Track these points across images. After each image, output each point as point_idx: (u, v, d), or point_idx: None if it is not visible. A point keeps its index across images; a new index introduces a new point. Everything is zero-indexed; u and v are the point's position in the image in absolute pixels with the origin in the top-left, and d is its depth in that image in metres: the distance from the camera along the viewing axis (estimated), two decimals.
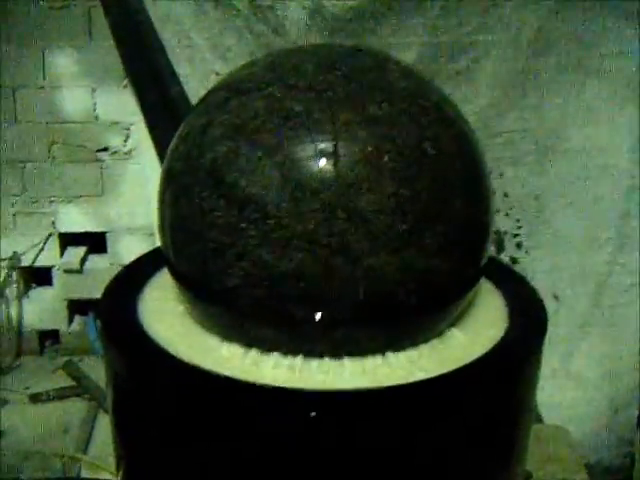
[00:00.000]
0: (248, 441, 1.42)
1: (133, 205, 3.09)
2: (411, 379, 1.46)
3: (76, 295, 3.18)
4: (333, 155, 1.46)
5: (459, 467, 1.50)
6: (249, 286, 1.48)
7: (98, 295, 3.10)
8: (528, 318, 1.73)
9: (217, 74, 2.44)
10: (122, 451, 1.74)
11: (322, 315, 1.47)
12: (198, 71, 2.61)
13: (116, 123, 3.00)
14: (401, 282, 1.47)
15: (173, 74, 2.58)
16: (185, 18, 2.57)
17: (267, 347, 1.53)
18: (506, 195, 2.79)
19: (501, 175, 2.76)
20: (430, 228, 1.47)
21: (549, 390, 2.82)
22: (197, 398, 1.47)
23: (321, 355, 1.51)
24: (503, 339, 1.62)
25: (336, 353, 1.51)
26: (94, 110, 2.97)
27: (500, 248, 2.83)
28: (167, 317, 1.69)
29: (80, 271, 3.15)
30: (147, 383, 1.54)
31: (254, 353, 1.54)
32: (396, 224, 1.45)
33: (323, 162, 1.45)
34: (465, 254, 1.57)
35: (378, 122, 1.48)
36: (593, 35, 2.62)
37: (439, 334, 1.60)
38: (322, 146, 1.47)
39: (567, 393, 2.89)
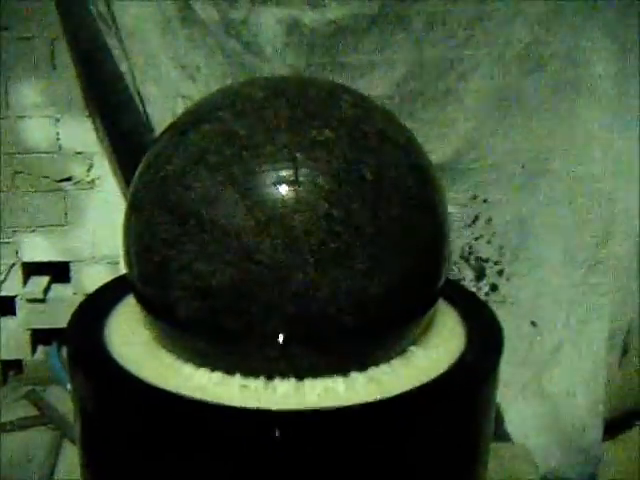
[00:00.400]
0: (213, 461, 1.46)
1: (97, 234, 3.11)
2: (371, 399, 1.51)
3: (39, 325, 3.18)
4: (293, 184, 1.51)
5: None
6: (203, 309, 1.53)
7: (62, 324, 3.13)
8: (485, 337, 1.78)
9: (183, 97, 2.34)
10: (89, 476, 1.76)
11: (281, 337, 1.51)
12: (165, 92, 2.48)
13: (79, 153, 3.02)
14: (357, 303, 1.52)
15: (130, 102, 2.50)
16: (151, 36, 2.44)
17: (230, 369, 1.57)
18: (489, 221, 2.74)
19: (485, 200, 2.71)
20: (381, 250, 1.52)
21: (517, 411, 2.84)
22: (162, 419, 1.49)
23: (283, 376, 1.55)
24: (461, 358, 1.67)
25: (298, 374, 1.55)
26: (57, 140, 2.99)
27: (480, 276, 2.80)
28: (133, 342, 1.72)
29: (43, 300, 3.15)
30: (114, 406, 1.57)
31: (217, 375, 1.58)
32: (341, 245, 1.50)
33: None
34: (421, 277, 1.62)
35: (316, 146, 1.54)
36: (588, 55, 2.53)
37: (400, 353, 1.66)
38: (282, 174, 1.52)
39: (536, 411, 2.87)
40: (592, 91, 2.56)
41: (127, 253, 1.71)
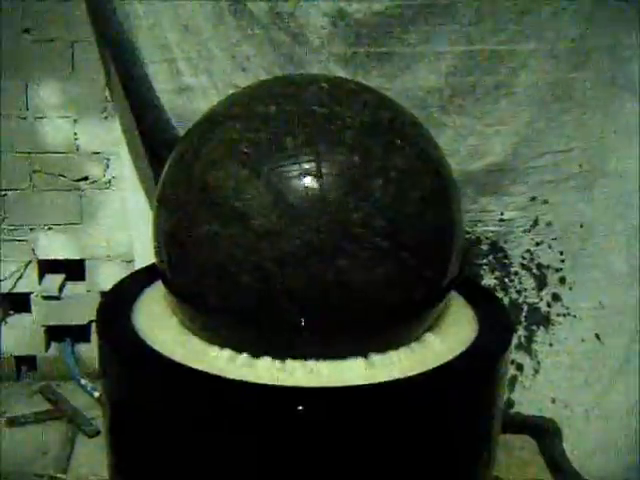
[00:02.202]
0: (241, 436, 1.53)
1: (111, 233, 3.18)
2: (391, 378, 1.60)
3: (54, 321, 3.24)
4: (316, 177, 1.59)
5: (439, 459, 1.62)
6: (238, 295, 1.61)
7: (76, 321, 3.22)
8: (495, 326, 1.87)
9: (236, 86, 2.32)
10: (118, 458, 1.82)
11: (305, 321, 1.59)
12: (217, 83, 2.50)
13: (96, 153, 3.09)
14: (378, 292, 1.60)
15: (155, 99, 2.52)
16: (204, 28, 2.48)
17: (257, 351, 1.65)
18: (549, 224, 2.64)
19: (545, 202, 2.61)
20: (399, 245, 1.61)
21: (578, 432, 2.72)
22: (196, 398, 1.57)
23: (307, 358, 1.63)
24: (473, 343, 1.76)
25: (322, 355, 1.63)
26: (75, 140, 3.06)
27: (542, 284, 2.69)
28: (162, 327, 1.79)
29: (58, 298, 3.22)
30: (147, 388, 1.64)
31: (245, 357, 1.65)
32: (372, 240, 1.59)
33: (307, 183, 1.59)
34: (435, 267, 1.71)
35: (338, 143, 1.63)
36: (627, 50, 2.50)
37: (416, 338, 1.74)
38: (305, 167, 1.60)
39: (597, 431, 2.71)
40: (630, 86, 2.53)
41: (157, 243, 1.78)
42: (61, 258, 3.22)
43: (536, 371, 2.70)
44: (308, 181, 1.59)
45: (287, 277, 1.57)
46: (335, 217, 1.57)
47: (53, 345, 3.33)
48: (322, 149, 1.61)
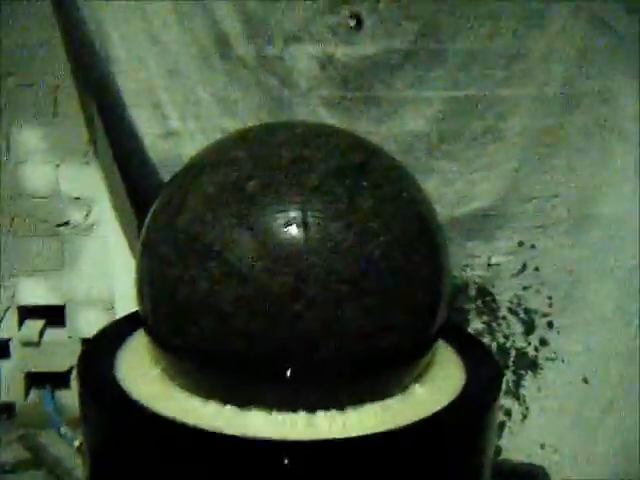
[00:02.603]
0: None
1: (92, 279, 3.14)
2: (377, 430, 1.55)
3: (34, 368, 3.19)
4: (302, 226, 1.57)
5: None
6: (220, 345, 1.58)
7: (56, 368, 3.16)
8: (483, 376, 1.84)
9: (224, 131, 2.26)
10: None
11: (290, 372, 1.55)
12: (205, 127, 2.49)
13: (78, 198, 3.07)
14: (363, 345, 1.57)
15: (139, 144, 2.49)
16: (190, 72, 2.47)
17: (243, 403, 1.61)
18: (537, 269, 2.62)
19: (533, 246, 2.60)
20: (385, 299, 1.58)
21: (565, 475, 2.69)
22: (179, 452, 1.53)
23: (295, 410, 1.59)
24: (461, 394, 1.73)
25: (309, 407, 1.59)
26: (57, 185, 3.04)
27: (530, 329, 2.66)
28: (145, 377, 1.75)
29: (38, 344, 3.17)
30: (128, 439, 1.60)
31: (230, 409, 1.62)
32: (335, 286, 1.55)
33: (292, 231, 1.57)
34: (421, 318, 1.68)
35: (322, 192, 1.59)
36: (617, 94, 2.50)
37: (403, 389, 1.71)
38: (291, 215, 1.58)
39: (586, 474, 2.68)
40: (621, 130, 2.53)
41: (140, 290, 1.75)
42: (42, 304, 3.18)
43: (524, 416, 2.67)
44: (294, 230, 1.57)
45: (271, 326, 1.54)
46: (295, 262, 1.55)
47: (33, 392, 3.28)
48: (283, 191, 1.59)
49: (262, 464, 1.49)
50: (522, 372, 2.65)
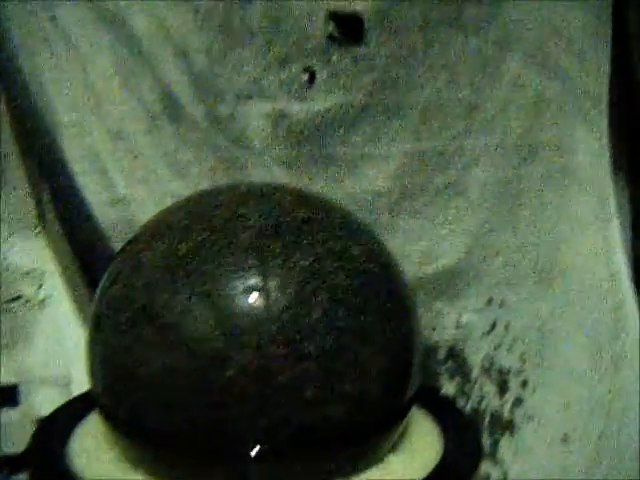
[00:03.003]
0: None
1: (47, 355, 3.01)
2: None
3: None
4: (262, 293, 1.49)
5: None
6: (173, 423, 1.49)
7: (9, 450, 3.00)
8: (462, 445, 1.75)
9: (175, 195, 2.10)
10: None
11: (255, 452, 1.46)
12: (154, 192, 2.35)
13: (28, 273, 2.95)
14: (329, 417, 1.47)
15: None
16: (136, 135, 2.35)
17: None
18: (507, 326, 2.52)
19: (501, 304, 2.51)
20: (353, 363, 1.49)
21: None
22: None
23: None
24: (438, 465, 1.64)
25: None
26: (4, 260, 2.92)
27: (503, 389, 2.56)
28: (99, 460, 1.66)
29: None
30: None
31: None
32: (310, 357, 1.47)
33: (252, 300, 1.48)
34: (395, 385, 1.61)
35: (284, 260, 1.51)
36: (573, 143, 2.46)
37: (377, 461, 1.62)
38: (250, 283, 1.50)
39: None
40: (579, 180, 2.49)
41: (91, 366, 1.65)
42: None
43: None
44: (254, 298, 1.49)
45: (233, 404, 1.45)
46: (283, 336, 1.46)
47: None
48: (213, 253, 1.51)
49: None
50: (498, 434, 2.55)
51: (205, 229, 1.55)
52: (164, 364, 1.47)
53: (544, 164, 2.46)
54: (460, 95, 2.36)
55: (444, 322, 2.48)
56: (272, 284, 1.48)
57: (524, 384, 2.56)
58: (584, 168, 2.51)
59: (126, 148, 2.38)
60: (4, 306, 2.99)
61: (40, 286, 3.06)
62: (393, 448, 1.66)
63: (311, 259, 1.52)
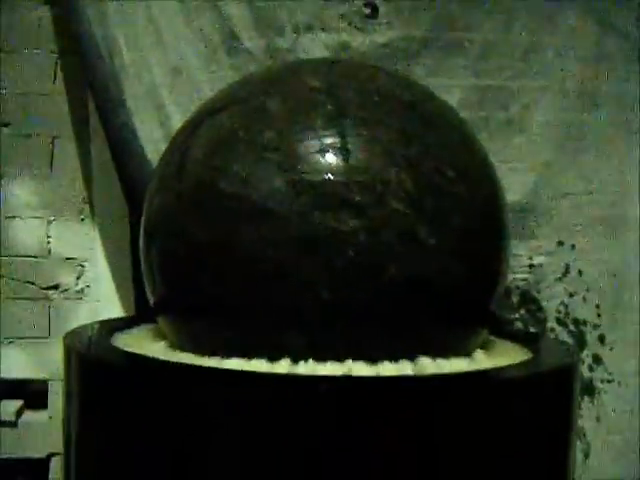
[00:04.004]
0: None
1: None
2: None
3: (6, 454, 2.84)
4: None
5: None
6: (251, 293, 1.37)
7: (33, 454, 2.82)
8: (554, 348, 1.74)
9: None
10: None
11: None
12: None
13: (70, 259, 2.85)
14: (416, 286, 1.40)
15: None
16: (195, 70, 2.38)
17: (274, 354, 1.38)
18: (580, 273, 2.41)
19: (573, 247, 2.42)
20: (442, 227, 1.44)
21: None
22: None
23: (341, 359, 1.38)
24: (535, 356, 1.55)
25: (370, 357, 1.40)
26: (47, 244, 2.82)
27: (582, 342, 2.40)
28: (151, 348, 1.53)
29: (15, 425, 2.84)
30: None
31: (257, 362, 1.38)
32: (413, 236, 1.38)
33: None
34: (482, 270, 1.50)
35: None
36: (631, 99, 2.43)
37: (467, 354, 1.51)
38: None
39: None
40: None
41: (149, 265, 1.55)
42: (22, 377, 2.88)
43: (586, 455, 2.35)
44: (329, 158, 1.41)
45: (307, 264, 1.34)
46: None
47: None
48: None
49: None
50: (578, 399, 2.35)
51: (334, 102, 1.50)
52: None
53: (608, 115, 2.43)
54: (516, 38, 2.38)
55: (516, 263, 2.34)
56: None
57: (601, 339, 2.43)
58: None
59: (185, 83, 2.37)
60: (42, 294, 2.86)
61: (80, 275, 2.93)
62: (482, 348, 1.53)
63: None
